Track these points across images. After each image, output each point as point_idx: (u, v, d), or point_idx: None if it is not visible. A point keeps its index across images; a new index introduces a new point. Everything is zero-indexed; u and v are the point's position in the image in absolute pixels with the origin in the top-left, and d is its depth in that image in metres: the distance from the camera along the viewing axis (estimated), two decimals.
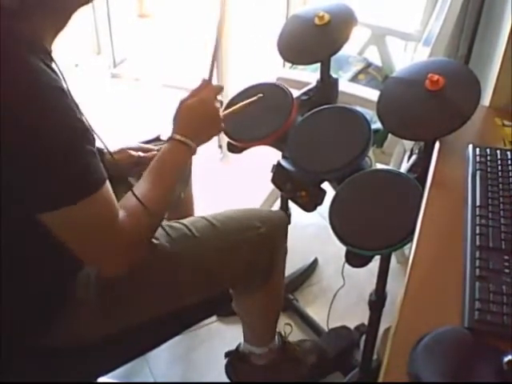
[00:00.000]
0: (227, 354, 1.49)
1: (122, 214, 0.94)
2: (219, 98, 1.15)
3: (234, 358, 1.47)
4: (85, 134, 0.89)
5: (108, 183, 0.92)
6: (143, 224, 0.98)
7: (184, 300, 1.19)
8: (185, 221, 1.22)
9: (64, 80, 0.89)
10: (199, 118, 1.11)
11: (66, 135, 0.85)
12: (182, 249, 1.16)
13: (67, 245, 0.91)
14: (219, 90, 1.15)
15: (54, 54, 0.92)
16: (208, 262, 1.18)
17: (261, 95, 1.30)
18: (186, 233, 1.19)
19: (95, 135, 0.93)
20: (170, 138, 1.08)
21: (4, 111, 0.80)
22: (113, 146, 1.37)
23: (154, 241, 1.13)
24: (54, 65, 0.89)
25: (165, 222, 1.21)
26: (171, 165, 1.06)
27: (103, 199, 0.91)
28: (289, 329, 1.61)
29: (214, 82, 1.19)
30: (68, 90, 0.88)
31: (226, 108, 1.35)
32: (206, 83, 1.14)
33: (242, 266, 1.22)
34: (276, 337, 1.47)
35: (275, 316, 1.44)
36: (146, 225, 0.99)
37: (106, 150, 1.32)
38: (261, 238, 1.23)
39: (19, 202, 0.87)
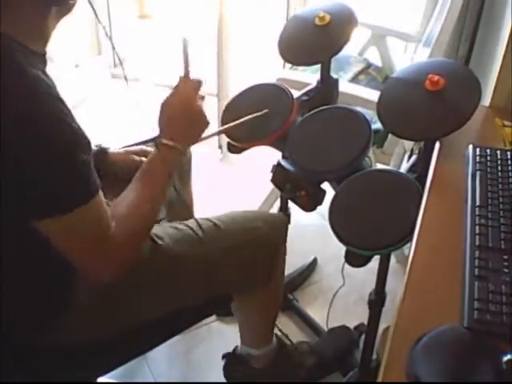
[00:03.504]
0: (224, 356, 1.49)
1: (112, 222, 0.95)
2: (200, 93, 1.11)
3: (232, 361, 1.48)
4: (80, 142, 0.89)
5: (101, 192, 0.92)
6: (133, 232, 0.98)
7: (185, 300, 1.19)
8: (189, 222, 1.22)
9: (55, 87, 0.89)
10: (183, 118, 1.07)
11: (61, 145, 0.85)
12: (186, 249, 1.17)
13: (62, 251, 0.92)
14: (199, 85, 1.10)
15: (54, 59, 0.92)
16: (211, 262, 1.18)
17: (266, 111, 1.29)
18: (191, 234, 1.19)
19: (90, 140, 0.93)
20: (157, 143, 1.06)
21: (1, 121, 0.80)
22: (113, 146, 1.37)
23: (159, 241, 1.14)
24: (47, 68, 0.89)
25: (169, 223, 1.22)
26: (161, 170, 1.05)
27: (97, 208, 0.91)
28: (286, 330, 1.61)
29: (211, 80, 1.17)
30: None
31: (226, 114, 1.35)
32: (184, 80, 1.09)
33: (243, 267, 1.23)
34: (273, 339, 1.47)
35: (274, 317, 1.44)
36: (135, 233, 0.99)
37: (109, 150, 1.32)
38: (262, 238, 1.24)
39: (17, 208, 0.87)
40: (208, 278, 1.19)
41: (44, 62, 0.93)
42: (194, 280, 1.17)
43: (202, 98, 1.11)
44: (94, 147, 1.28)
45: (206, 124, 1.11)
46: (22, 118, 0.81)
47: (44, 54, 0.94)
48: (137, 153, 1.34)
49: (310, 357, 1.56)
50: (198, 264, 1.17)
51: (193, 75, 1.09)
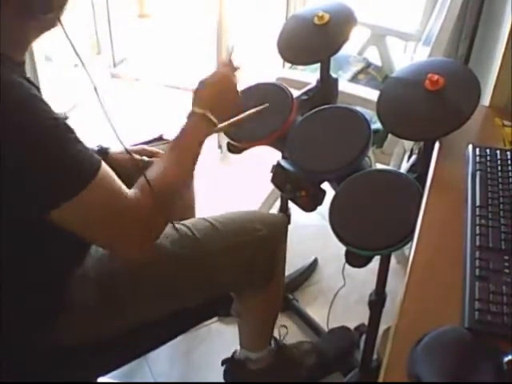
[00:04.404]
0: (224, 362, 1.49)
1: (135, 191, 0.94)
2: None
3: (232, 366, 1.47)
4: (65, 127, 0.88)
5: (104, 165, 0.91)
6: (158, 202, 0.96)
7: (184, 301, 1.19)
8: (187, 222, 1.22)
9: (38, 90, 0.90)
10: (220, 94, 1.11)
11: (49, 131, 0.85)
12: (184, 250, 1.16)
13: (83, 237, 0.91)
14: (236, 68, 1.18)
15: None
16: (209, 263, 1.18)
17: (267, 105, 1.30)
18: (188, 234, 1.19)
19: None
20: (192, 112, 1.07)
21: None
22: (113, 146, 1.37)
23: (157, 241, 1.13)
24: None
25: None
26: (193, 138, 1.06)
27: (105, 182, 0.90)
28: (284, 331, 1.61)
29: None
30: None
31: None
32: (225, 63, 1.18)
33: (243, 268, 1.22)
34: (272, 341, 1.47)
35: (274, 319, 1.44)
36: (161, 203, 0.97)
37: (109, 150, 1.32)
38: (262, 240, 1.23)
39: (21, 205, 0.87)
40: (206, 279, 1.19)
41: (23, 71, 0.93)
42: (191, 281, 1.17)
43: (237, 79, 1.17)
44: (94, 148, 1.28)
45: (240, 105, 1.18)
46: (6, 124, 0.81)
47: (23, 63, 0.94)
48: (138, 152, 1.33)
49: (311, 356, 1.55)
50: (195, 265, 1.17)
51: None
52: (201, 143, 1.06)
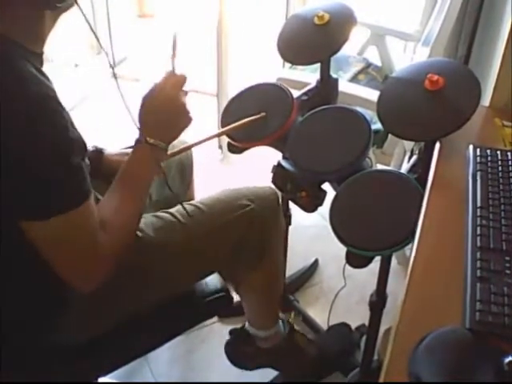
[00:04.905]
0: (231, 332, 1.47)
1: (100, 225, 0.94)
2: (184, 88, 1.07)
3: (238, 338, 1.46)
4: (75, 145, 0.88)
5: (92, 197, 0.91)
6: (120, 239, 0.98)
7: (177, 286, 1.18)
8: (170, 210, 1.21)
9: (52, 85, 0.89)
10: (164, 115, 1.04)
11: (56, 147, 0.85)
12: (169, 237, 1.16)
13: (47, 257, 0.91)
14: (183, 81, 1.07)
15: (45, 56, 0.93)
16: (197, 246, 1.17)
17: (263, 114, 1.29)
18: (172, 220, 1.18)
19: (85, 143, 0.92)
20: (139, 141, 1.04)
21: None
22: (109, 147, 1.37)
23: (139, 233, 1.12)
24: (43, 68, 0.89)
25: (150, 213, 1.21)
26: (141, 170, 1.03)
27: (88, 213, 0.91)
28: (294, 319, 1.60)
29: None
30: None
31: (226, 114, 1.35)
32: (167, 75, 1.07)
33: (233, 246, 1.21)
34: (281, 323, 1.46)
35: (275, 297, 1.42)
36: (122, 239, 0.99)
37: (105, 151, 1.32)
38: (250, 217, 1.22)
39: (9, 208, 0.87)
40: (196, 262, 1.18)
41: (41, 62, 0.93)
42: (182, 266, 1.16)
43: (185, 93, 1.07)
44: (89, 148, 1.28)
45: (188, 120, 1.07)
46: (18, 119, 0.81)
47: (41, 54, 0.93)
48: None
49: (315, 346, 1.55)
50: (183, 250, 1.16)
51: (178, 70, 1.07)
52: (153, 172, 1.05)
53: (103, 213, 0.96)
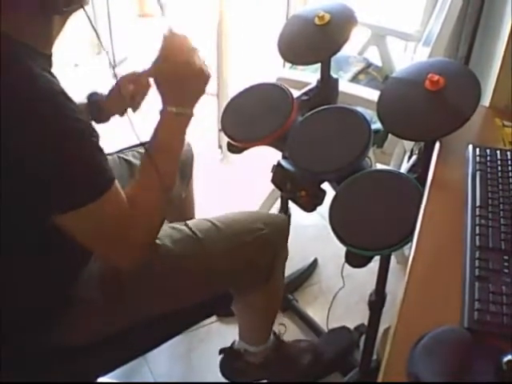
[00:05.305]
0: (222, 351, 1.49)
1: (129, 206, 0.94)
2: (191, 45, 1.03)
3: (229, 356, 1.48)
4: (89, 132, 0.89)
5: (117, 181, 0.92)
6: (154, 217, 0.99)
7: (184, 301, 1.19)
8: (189, 223, 1.22)
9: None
10: (184, 81, 1.00)
11: (72, 137, 0.85)
12: (185, 250, 1.17)
13: (82, 244, 0.92)
14: (187, 39, 1.03)
15: (53, 58, 0.93)
16: (210, 264, 1.18)
17: None
18: (190, 235, 1.19)
19: None
20: (163, 111, 1.01)
21: (8, 120, 0.80)
22: (113, 147, 1.37)
23: (158, 241, 1.13)
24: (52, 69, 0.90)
25: (168, 224, 1.22)
26: (173, 138, 1.02)
27: (115, 196, 0.91)
28: (283, 328, 1.61)
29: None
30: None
31: (226, 113, 1.35)
32: (169, 37, 1.03)
33: (244, 267, 1.22)
34: (271, 335, 1.47)
35: (273, 316, 1.44)
36: (156, 217, 0.99)
37: (100, 94, 1.31)
38: (263, 240, 1.23)
39: (32, 206, 0.87)
40: (207, 279, 1.19)
41: (50, 64, 0.93)
42: (193, 281, 1.17)
43: (196, 50, 1.03)
44: (84, 100, 1.29)
45: (208, 76, 1.04)
46: (28, 115, 0.82)
47: (50, 55, 0.94)
48: (128, 80, 1.29)
49: (306, 354, 1.56)
50: (197, 265, 1.17)
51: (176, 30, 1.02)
52: (182, 140, 1.04)
53: (132, 191, 0.97)
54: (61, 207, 0.86)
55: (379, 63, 2.16)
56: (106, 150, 0.91)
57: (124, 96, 1.26)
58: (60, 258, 1.00)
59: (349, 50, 1.95)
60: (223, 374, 1.49)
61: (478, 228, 0.86)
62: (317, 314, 1.76)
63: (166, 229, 1.19)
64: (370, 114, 1.59)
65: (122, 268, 1.01)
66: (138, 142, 1.25)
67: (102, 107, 1.30)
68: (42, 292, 1.02)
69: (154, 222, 1.01)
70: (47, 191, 0.85)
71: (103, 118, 1.31)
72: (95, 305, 1.08)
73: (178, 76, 1.00)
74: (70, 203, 0.86)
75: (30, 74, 0.83)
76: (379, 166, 1.78)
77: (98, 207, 0.88)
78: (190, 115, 1.03)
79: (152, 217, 0.99)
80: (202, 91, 1.04)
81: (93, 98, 1.30)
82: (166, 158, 1.01)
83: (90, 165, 0.87)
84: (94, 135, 0.89)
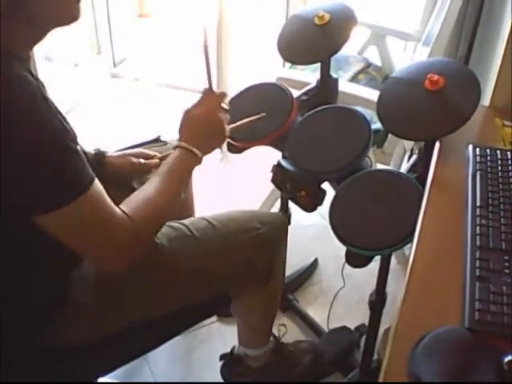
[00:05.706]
0: (222, 357, 1.49)
1: (124, 211, 0.94)
2: (224, 106, 1.14)
3: (229, 361, 1.48)
4: (68, 134, 0.88)
5: (97, 181, 0.92)
6: (145, 224, 0.98)
7: (183, 300, 1.19)
8: (185, 221, 1.22)
9: (44, 87, 0.90)
10: (205, 129, 1.10)
11: (50, 137, 0.84)
12: (182, 249, 1.16)
13: (67, 246, 0.91)
14: (223, 97, 1.14)
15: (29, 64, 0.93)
16: (207, 262, 1.18)
17: (263, 114, 1.29)
18: (186, 233, 1.19)
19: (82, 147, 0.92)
20: (178, 146, 1.07)
21: None
22: (113, 147, 1.37)
23: (156, 240, 1.13)
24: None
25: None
26: (178, 172, 1.06)
27: (95, 197, 0.90)
28: (283, 330, 1.61)
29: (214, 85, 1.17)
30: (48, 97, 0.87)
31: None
32: (208, 92, 1.13)
33: (241, 267, 1.22)
34: (271, 338, 1.47)
35: (272, 318, 1.43)
36: (147, 226, 0.99)
37: (107, 153, 1.32)
38: (261, 240, 1.23)
39: (12, 206, 0.87)
40: (204, 278, 1.18)
41: (25, 67, 0.93)
42: (189, 280, 1.17)
43: (226, 110, 1.14)
44: (91, 151, 1.28)
45: (223, 137, 1.14)
46: (6, 115, 0.81)
47: (28, 58, 0.93)
48: (135, 155, 1.33)
49: (307, 355, 1.55)
50: (193, 263, 1.17)
51: (216, 87, 1.14)
52: (189, 174, 1.10)
53: (135, 199, 0.98)
54: (38, 209, 0.86)
55: (379, 63, 2.16)
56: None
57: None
58: (50, 258, 1.00)
59: (348, 49, 1.95)
60: (225, 379, 1.49)
61: (478, 228, 0.86)
62: (317, 314, 1.76)
63: (163, 227, 1.18)
64: (370, 113, 1.59)
65: (109, 269, 1.00)
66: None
67: (104, 165, 1.30)
68: (34, 292, 1.01)
69: (149, 228, 1.01)
70: (23, 193, 0.85)
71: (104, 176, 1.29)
72: (90, 305, 1.08)
73: (205, 126, 1.10)
74: (46, 206, 0.86)
75: (12, 74, 0.83)
76: (379, 166, 1.78)
77: (75, 209, 0.87)
78: (200, 160, 1.09)
79: (147, 223, 0.99)
80: (216, 147, 1.14)
81: (98, 154, 1.30)
82: (170, 183, 1.04)
83: (63, 167, 0.87)
84: (69, 137, 0.88)
